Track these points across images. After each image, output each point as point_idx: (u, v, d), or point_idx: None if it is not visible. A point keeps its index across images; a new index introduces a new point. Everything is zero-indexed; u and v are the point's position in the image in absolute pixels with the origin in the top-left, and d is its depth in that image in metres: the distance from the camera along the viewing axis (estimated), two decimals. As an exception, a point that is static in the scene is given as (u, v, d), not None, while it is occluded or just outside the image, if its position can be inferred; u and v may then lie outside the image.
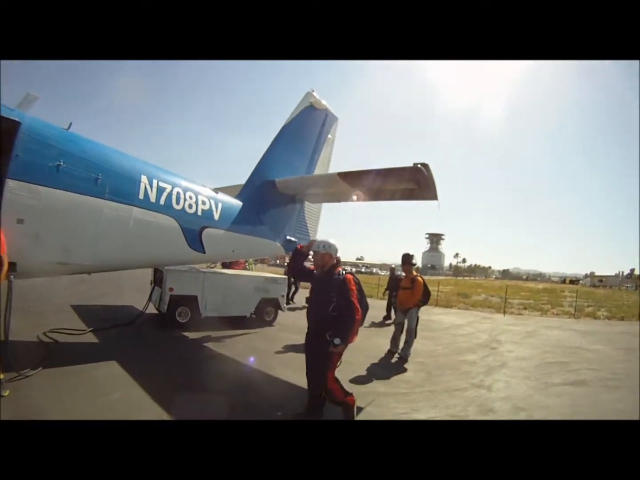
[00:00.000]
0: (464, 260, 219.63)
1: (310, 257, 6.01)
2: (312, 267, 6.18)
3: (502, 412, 6.26)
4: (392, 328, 13.52)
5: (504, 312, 21.48)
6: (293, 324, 13.10)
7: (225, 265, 16.50)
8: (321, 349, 5.23)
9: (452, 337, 13.24)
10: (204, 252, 9.09)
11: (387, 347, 10.33)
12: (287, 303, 17.28)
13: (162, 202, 8.12)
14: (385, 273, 75.60)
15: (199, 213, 8.97)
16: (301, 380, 6.75)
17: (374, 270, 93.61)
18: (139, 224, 7.62)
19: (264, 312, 12.25)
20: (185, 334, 9.84)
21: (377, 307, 17.26)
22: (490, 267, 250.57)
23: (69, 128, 7.01)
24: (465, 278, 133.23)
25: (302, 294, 17.57)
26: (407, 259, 10.35)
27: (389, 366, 8.99)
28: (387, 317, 16.30)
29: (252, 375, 7.33)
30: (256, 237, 10.55)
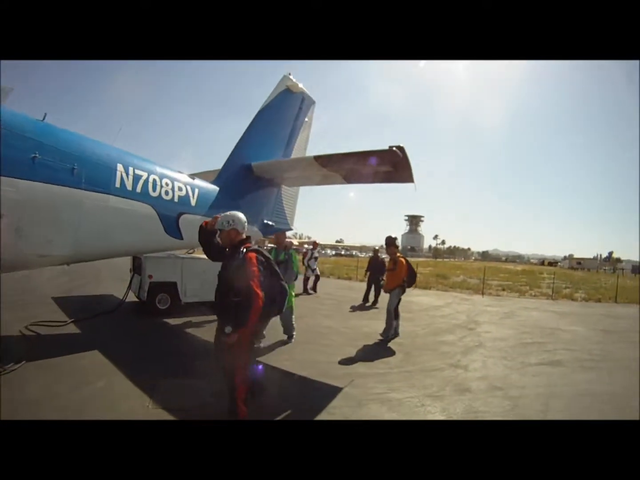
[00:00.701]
0: (443, 242, 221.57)
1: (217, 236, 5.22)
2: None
3: (479, 391, 6.42)
4: (372, 311, 13.69)
5: (483, 294, 21.87)
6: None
7: None
8: (220, 339, 4.63)
9: (431, 318, 13.43)
10: (182, 239, 9.11)
11: (366, 328, 10.66)
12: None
13: (138, 189, 8.10)
14: (365, 255, 75.81)
15: (176, 199, 8.99)
16: (284, 364, 7.23)
17: (354, 252, 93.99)
18: (116, 212, 7.60)
19: None
20: (167, 320, 9.91)
21: (357, 289, 17.45)
22: (469, 249, 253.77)
23: (44, 119, 6.90)
24: (445, 260, 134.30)
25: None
26: (390, 241, 10.31)
27: (369, 349, 9.06)
28: (366, 299, 16.25)
29: None
30: None
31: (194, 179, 9.87)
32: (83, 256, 7.63)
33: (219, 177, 10.93)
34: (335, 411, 5.36)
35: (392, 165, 7.95)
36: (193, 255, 11.78)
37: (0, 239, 5.86)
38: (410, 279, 10.17)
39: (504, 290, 24.39)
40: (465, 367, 7.88)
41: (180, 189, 9.13)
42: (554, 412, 5.67)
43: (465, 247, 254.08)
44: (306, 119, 13.32)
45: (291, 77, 12.10)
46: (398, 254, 10.34)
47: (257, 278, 4.54)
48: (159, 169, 8.77)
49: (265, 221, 12.01)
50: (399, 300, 10.08)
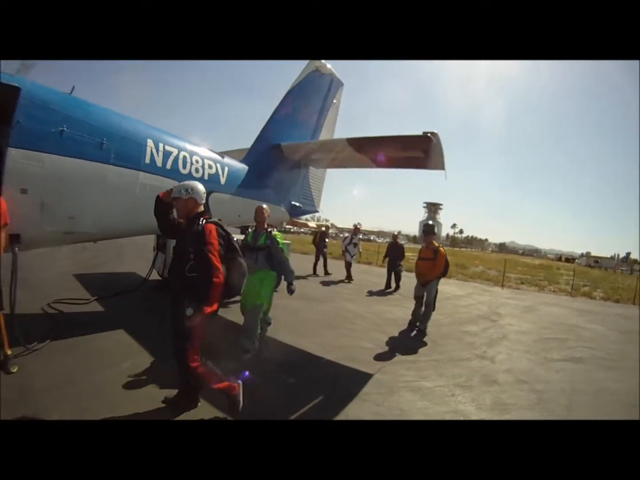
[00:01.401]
0: (461, 231, 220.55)
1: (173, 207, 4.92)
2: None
3: (506, 384, 6.49)
4: (395, 297, 13.61)
5: (502, 286, 21.66)
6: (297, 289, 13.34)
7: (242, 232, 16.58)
8: (177, 320, 4.41)
9: (454, 307, 13.51)
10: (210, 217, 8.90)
11: (390, 315, 10.65)
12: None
13: (168, 166, 7.99)
14: (383, 240, 75.88)
15: (206, 177, 8.84)
16: (312, 347, 7.33)
17: (372, 237, 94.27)
18: (145, 189, 7.44)
19: None
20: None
21: (377, 274, 17.45)
22: (487, 240, 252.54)
23: (71, 92, 6.81)
24: (462, 249, 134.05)
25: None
26: (429, 229, 10.03)
27: (395, 335, 9.14)
28: (388, 285, 16.12)
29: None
30: (262, 201, 10.44)
31: (223, 157, 9.77)
32: (109, 234, 7.55)
33: (248, 156, 10.77)
34: (367, 398, 5.42)
35: (424, 152, 7.83)
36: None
37: (22, 215, 5.76)
38: (445, 269, 9.71)
39: (522, 283, 24.16)
40: (491, 358, 7.95)
41: (210, 166, 9.01)
42: (578, 408, 5.75)
43: (483, 237, 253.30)
44: (334, 101, 13.17)
45: None
46: (436, 243, 9.84)
47: (218, 252, 4.32)
48: (189, 146, 8.66)
49: (292, 202, 11.94)
50: (437, 291, 9.77)
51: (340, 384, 5.83)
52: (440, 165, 7.69)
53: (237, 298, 6.19)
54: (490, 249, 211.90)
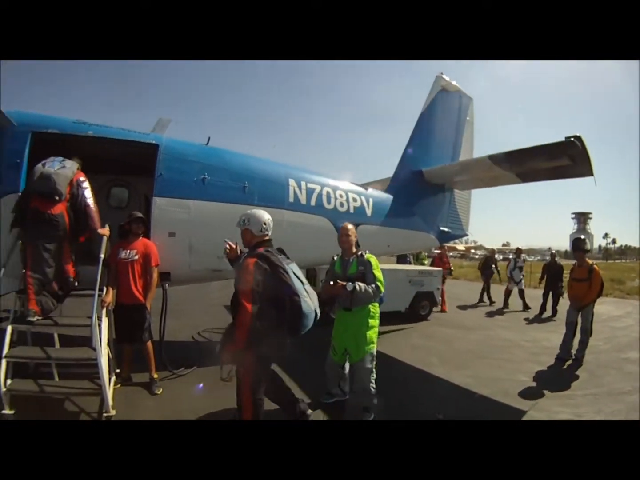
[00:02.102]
0: (614, 241, 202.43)
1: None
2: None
3: None
4: (550, 323, 13.21)
5: (668, 303, 18.11)
6: (448, 318, 13.27)
7: (400, 260, 16.64)
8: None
9: (611, 330, 12.11)
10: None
11: (545, 342, 10.08)
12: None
13: (312, 202, 8.30)
14: (534, 259, 72.09)
15: (352, 211, 8.99)
16: (465, 381, 6.97)
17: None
18: (290, 226, 7.76)
19: (419, 306, 12.14)
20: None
21: (530, 297, 16.04)
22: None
23: (207, 142, 7.40)
24: (616, 261, 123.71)
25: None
26: (579, 244, 8.88)
27: (549, 365, 8.53)
28: (543, 309, 14.75)
29: (411, 374, 7.46)
30: (410, 230, 10.45)
31: (366, 189, 9.86)
32: None
33: (391, 185, 10.74)
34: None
35: (570, 159, 7.47)
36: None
37: (171, 256, 6.48)
38: (600, 289, 8.66)
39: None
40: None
41: (354, 199, 9.14)
42: None
43: (638, 246, 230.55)
44: (467, 118, 12.77)
45: (444, 76, 11.70)
46: (589, 261, 8.80)
47: (250, 288, 3.93)
48: (331, 181, 8.90)
49: (441, 228, 11.68)
50: (593, 314, 8.73)
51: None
52: (588, 171, 7.41)
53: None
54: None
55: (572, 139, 6.83)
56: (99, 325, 5.16)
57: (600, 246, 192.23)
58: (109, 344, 5.68)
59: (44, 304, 5.20)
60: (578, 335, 8.77)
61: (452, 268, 16.65)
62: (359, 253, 5.65)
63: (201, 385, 6.02)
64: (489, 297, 17.26)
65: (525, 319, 13.97)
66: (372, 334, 5.42)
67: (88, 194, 5.66)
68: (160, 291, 6.23)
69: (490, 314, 14.82)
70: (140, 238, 6.20)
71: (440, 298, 13.07)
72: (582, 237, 9.24)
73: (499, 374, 7.72)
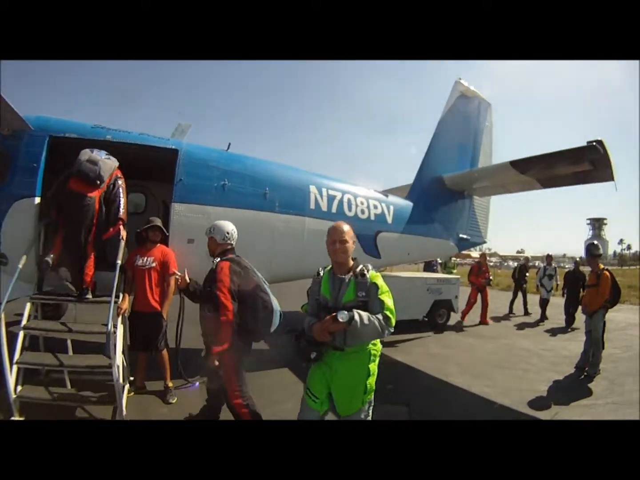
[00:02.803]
0: (629, 247, 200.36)
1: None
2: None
3: None
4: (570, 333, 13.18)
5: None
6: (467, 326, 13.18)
7: (427, 268, 16.49)
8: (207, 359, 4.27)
9: (630, 338, 11.90)
10: (379, 257, 9.04)
11: (564, 351, 10.15)
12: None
13: (334, 210, 8.23)
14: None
15: (372, 218, 9.00)
16: (483, 390, 7.01)
17: (536, 263, 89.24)
18: (311, 233, 7.67)
19: (437, 315, 12.08)
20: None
21: (555, 305, 15.56)
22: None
23: (228, 149, 7.42)
24: (632, 267, 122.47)
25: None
26: (591, 250, 8.56)
27: (569, 374, 8.49)
28: (569, 321, 13.96)
29: (429, 383, 7.50)
30: (430, 237, 10.44)
31: (387, 196, 9.85)
32: (279, 278, 7.73)
33: (411, 192, 10.83)
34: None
35: (591, 164, 7.45)
36: (386, 273, 11.67)
37: (189, 262, 6.20)
38: (614, 297, 8.41)
39: None
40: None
41: (375, 206, 9.12)
42: None
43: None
44: (487, 123, 12.71)
45: (462, 81, 11.66)
46: (600, 265, 8.56)
47: (227, 288, 4.24)
48: (353, 188, 8.92)
49: (460, 235, 11.63)
50: (604, 324, 8.49)
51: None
52: (609, 176, 7.35)
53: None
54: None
55: (594, 143, 6.74)
56: (114, 332, 5.15)
57: (615, 252, 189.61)
58: (123, 352, 5.68)
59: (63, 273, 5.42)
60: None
61: (491, 278, 15.52)
62: (358, 269, 3.67)
63: (197, 383, 6.21)
64: (525, 308, 16.68)
65: (549, 331, 13.58)
66: (372, 380, 3.81)
67: (122, 190, 5.83)
68: (177, 298, 6.21)
69: (538, 331, 13.79)
70: (158, 245, 6.21)
71: (457, 306, 12.84)
72: (595, 242, 9.02)
73: (518, 383, 7.74)
